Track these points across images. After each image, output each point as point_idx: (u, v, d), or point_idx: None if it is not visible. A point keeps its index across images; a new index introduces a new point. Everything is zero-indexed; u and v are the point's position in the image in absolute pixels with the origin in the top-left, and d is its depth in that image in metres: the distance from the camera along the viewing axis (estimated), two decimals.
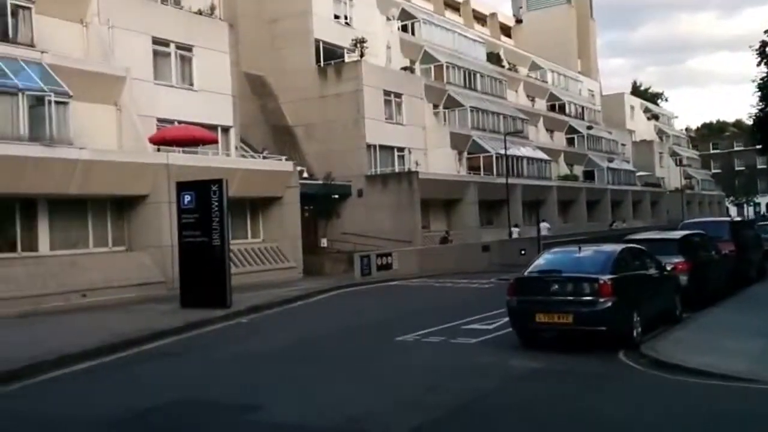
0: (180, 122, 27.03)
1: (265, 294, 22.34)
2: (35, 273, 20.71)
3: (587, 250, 13.99)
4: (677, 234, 20.02)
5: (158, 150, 25.46)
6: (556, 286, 12.41)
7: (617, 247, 14.06)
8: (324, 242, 32.98)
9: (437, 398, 9.57)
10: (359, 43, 38.35)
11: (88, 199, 23.34)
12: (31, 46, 22.27)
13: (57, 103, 21.21)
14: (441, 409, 8.94)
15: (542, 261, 13.79)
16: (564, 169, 58.14)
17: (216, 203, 19.17)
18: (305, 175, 32.67)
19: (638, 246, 15.32)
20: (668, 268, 15.26)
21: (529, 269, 13.48)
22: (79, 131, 23.08)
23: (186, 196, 19.70)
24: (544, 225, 44.22)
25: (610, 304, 11.97)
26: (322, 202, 33.40)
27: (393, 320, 17.07)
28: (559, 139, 61.74)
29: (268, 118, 38.17)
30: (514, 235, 40.27)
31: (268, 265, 28.03)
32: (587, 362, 11.73)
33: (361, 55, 38.44)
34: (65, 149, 20.93)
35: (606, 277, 12.20)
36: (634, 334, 12.60)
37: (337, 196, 36.18)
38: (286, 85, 38.82)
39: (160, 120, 26.96)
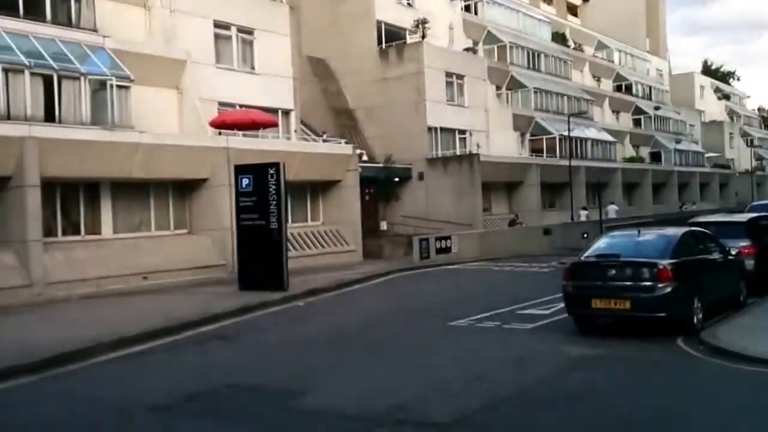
0: (241, 106, 27.16)
1: (323, 277, 22.35)
2: (98, 255, 21.05)
3: (647, 234, 13.69)
4: (744, 217, 19.37)
5: (219, 134, 25.60)
6: (614, 271, 12.10)
7: (679, 231, 13.62)
8: (384, 225, 32.85)
9: (484, 387, 9.43)
10: (421, 24, 37.96)
11: (150, 183, 23.61)
12: (94, 30, 22.57)
13: (119, 87, 21.54)
14: (486, 399, 8.76)
15: (600, 245, 13.42)
16: (630, 151, 57.00)
17: (273, 186, 19.21)
18: (365, 158, 32.55)
19: (701, 229, 14.90)
20: (733, 253, 14.74)
21: (586, 253, 13.18)
22: (141, 115, 23.43)
23: (244, 180, 19.79)
24: (612, 207, 44.17)
25: (669, 289, 11.62)
26: (382, 185, 33.28)
27: (448, 304, 16.90)
28: (626, 120, 60.47)
29: (330, 101, 38.09)
30: (582, 218, 40.01)
31: (328, 248, 28.02)
32: (645, 349, 11.41)
33: (423, 36, 38.04)
34: (126, 133, 21.18)
35: (666, 262, 11.84)
36: (695, 320, 12.23)
37: (397, 179, 36.03)
38: (348, 67, 38.70)
39: (221, 104, 27.12)
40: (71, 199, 21.86)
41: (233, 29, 28.06)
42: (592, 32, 63.59)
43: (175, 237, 24.16)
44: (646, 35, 73.50)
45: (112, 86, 21.26)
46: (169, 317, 14.82)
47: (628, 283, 11.92)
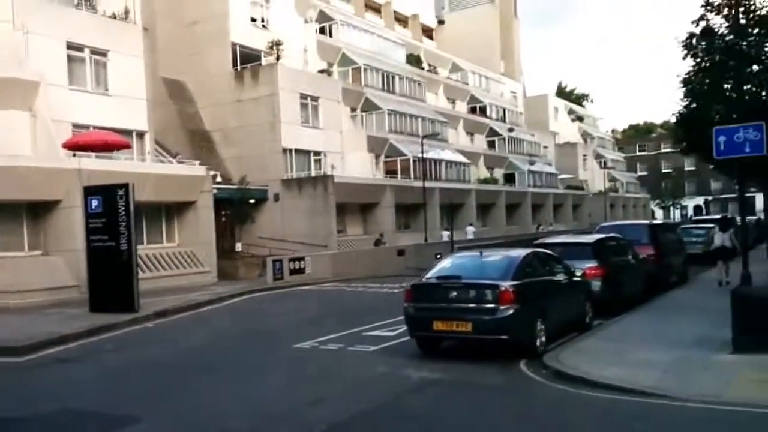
0: (95, 127, 28.85)
1: (175, 298, 24.01)
2: None
3: (491, 255, 14.44)
4: (591, 238, 20.46)
5: (74, 155, 27.23)
6: (455, 293, 12.77)
7: (522, 252, 14.32)
8: (239, 247, 35.09)
9: (321, 412, 9.91)
10: (275, 45, 40.54)
11: (2, 204, 25.00)
12: None
13: None
14: (323, 424, 9.17)
15: (443, 266, 14.14)
16: (484, 173, 61.16)
17: (123, 207, 20.80)
18: (218, 179, 34.69)
19: (546, 251, 15.91)
20: (578, 274, 15.72)
21: (429, 274, 13.91)
22: None
23: (93, 201, 21.33)
24: (469, 228, 48.03)
25: (511, 311, 12.32)
26: (237, 207, 35.51)
27: (295, 326, 18.32)
28: (480, 142, 64.79)
29: (186, 122, 40.11)
30: (469, 236, 43.99)
31: (182, 269, 29.87)
32: (486, 372, 12.06)
33: (277, 58, 40.64)
34: None
35: (507, 284, 12.53)
36: (538, 343, 12.97)
37: (253, 201, 38.28)
38: (204, 89, 40.89)
39: (75, 125, 28.77)
40: None
41: (87, 51, 29.76)
42: (446, 54, 67.92)
43: (29, 258, 25.63)
44: (501, 57, 78.70)
45: None
46: (10, 338, 16.00)
47: (470, 305, 12.59)
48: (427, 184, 45.54)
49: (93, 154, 27.88)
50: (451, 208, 43.52)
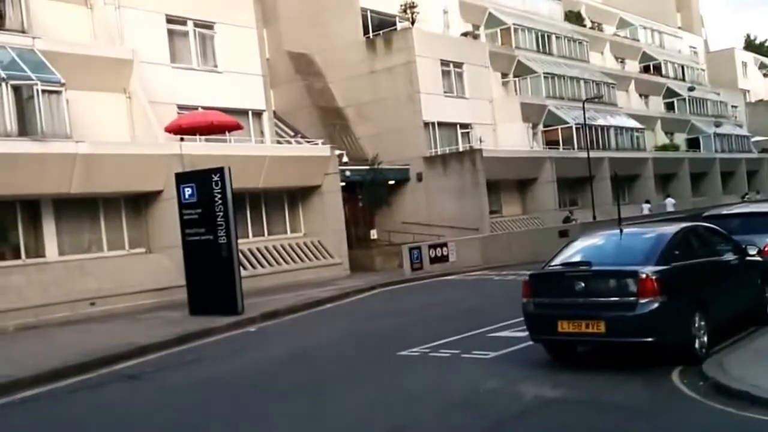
0: (204, 108, 26.59)
1: (295, 296, 21.87)
2: (37, 281, 20.52)
3: (634, 233, 12.24)
4: None
5: (181, 140, 25.13)
6: (583, 284, 10.36)
7: (673, 228, 11.75)
8: (374, 234, 32.22)
9: None
10: (409, 8, 37.41)
11: (99, 198, 23.12)
12: (22, 31, 22.11)
13: (48, 92, 20.95)
14: None
15: (572, 249, 11.68)
16: (662, 138, 56.03)
17: (219, 195, 18.49)
18: (345, 159, 31.93)
19: (707, 225, 13.11)
20: (752, 252, 12.75)
21: (554, 261, 11.43)
22: (83, 123, 22.94)
23: (186, 189, 19.16)
24: (669, 201, 46.23)
25: (656, 305, 9.82)
26: (371, 190, 32.61)
27: (412, 327, 15.90)
28: (656, 105, 59.58)
29: (316, 99, 37.62)
30: (645, 212, 40.97)
31: (309, 262, 27.48)
32: (625, 387, 9.64)
33: (412, 22, 37.51)
34: (58, 143, 20.65)
35: (650, 270, 10.04)
36: (696, 344, 10.41)
37: (393, 182, 35.43)
38: (334, 62, 38.28)
39: (180, 107, 26.64)
40: (8, 220, 21.43)
41: (189, 24, 27.64)
42: (612, 9, 62.83)
43: (131, 257, 23.64)
44: (676, 10, 72.67)
45: (39, 91, 20.68)
46: (88, 352, 14.13)
47: (602, 299, 10.29)
48: (595, 153, 41.61)
49: (202, 137, 25.68)
50: (618, 180, 38.93)
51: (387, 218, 35.49)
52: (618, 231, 12.20)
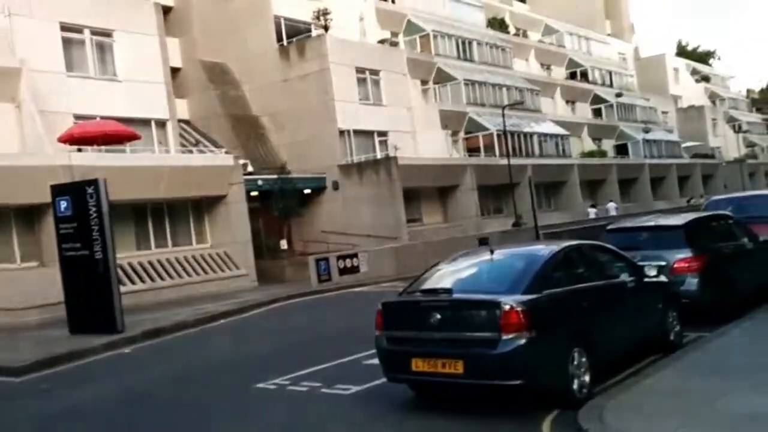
0: (103, 117, 26.57)
1: (187, 311, 21.79)
2: None
3: (504, 255, 10.72)
4: (683, 218, 15.83)
5: (79, 150, 25.01)
6: (439, 316, 9.19)
7: (551, 248, 10.60)
8: (284, 244, 32.30)
9: None
10: (322, 14, 37.63)
11: None
12: None
13: None
14: None
15: (437, 273, 10.58)
16: (590, 145, 56.98)
17: (94, 208, 18.04)
18: (249, 168, 32.01)
19: (593, 243, 12.07)
20: (651, 273, 11.74)
21: (414, 286, 10.43)
22: None
23: (62, 202, 18.65)
24: (611, 205, 47.40)
25: (522, 342, 8.69)
26: (281, 199, 32.68)
27: (290, 350, 15.61)
28: (583, 111, 60.51)
29: (230, 108, 37.61)
30: (591, 216, 41.72)
31: (213, 274, 27.46)
32: None
33: (326, 29, 37.73)
34: None
35: (514, 300, 8.89)
36: (575, 385, 9.26)
37: (309, 190, 35.60)
38: (249, 70, 38.39)
39: (77, 116, 26.72)
40: None
41: (86, 32, 27.78)
42: (537, 16, 63.87)
43: (21, 270, 23.43)
44: (605, 17, 74.16)
45: None
46: None
47: (460, 333, 9.10)
48: (518, 160, 42.19)
49: (103, 148, 25.64)
50: (533, 186, 39.53)
51: (305, 227, 35.62)
52: (489, 251, 10.71)
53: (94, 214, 18.08)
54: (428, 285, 10.17)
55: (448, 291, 9.55)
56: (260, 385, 12.09)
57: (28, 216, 23.91)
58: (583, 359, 9.45)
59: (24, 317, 21.33)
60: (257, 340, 17.78)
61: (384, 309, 9.93)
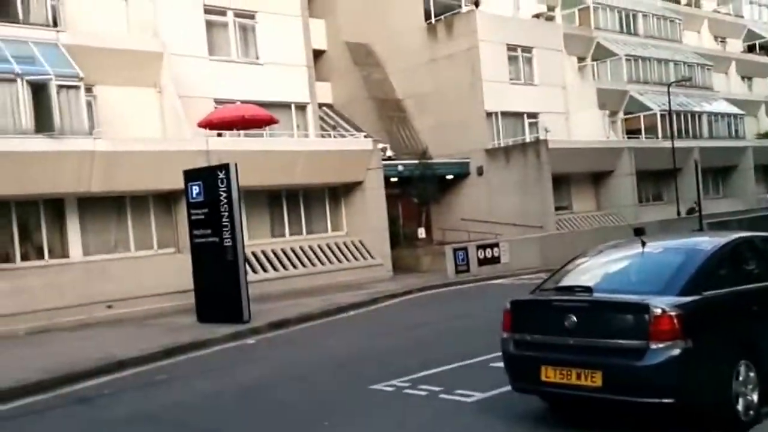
0: (243, 102, 27.08)
1: (316, 301, 22.01)
2: (55, 283, 21.20)
3: (659, 248, 9.30)
4: None
5: (219, 135, 25.60)
6: (575, 318, 8.13)
7: (717, 241, 9.13)
8: (422, 233, 32.14)
9: None
10: None
11: (126, 196, 23.78)
12: (47, 25, 22.87)
13: (64, 87, 21.62)
14: None
15: (576, 268, 9.49)
16: (767, 125, 53.93)
17: (224, 194, 18.46)
18: (389, 153, 31.92)
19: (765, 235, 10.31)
20: None
21: (550, 282, 9.43)
22: (111, 119, 23.86)
23: (194, 188, 19.25)
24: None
25: (676, 353, 7.53)
26: (420, 185, 32.49)
27: (414, 347, 15.29)
28: (762, 87, 57.21)
29: (374, 91, 37.73)
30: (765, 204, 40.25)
31: (347, 263, 27.57)
32: None
33: (476, 4, 37.12)
34: (74, 140, 21.30)
35: (667, 302, 7.71)
36: (740, 405, 8.00)
37: (451, 176, 35.30)
38: (394, 51, 38.41)
39: (218, 101, 27.22)
40: (32, 220, 22.29)
41: (229, 14, 28.20)
42: None
43: (158, 257, 24.24)
44: None
45: (59, 87, 21.36)
46: (59, 367, 14.11)
47: (600, 340, 8.01)
48: (683, 143, 40.49)
49: (241, 132, 26.23)
50: (699, 170, 37.64)
51: (446, 215, 35.42)
52: (640, 243, 9.34)
53: (225, 200, 18.49)
54: (565, 282, 9.10)
55: (588, 290, 8.48)
56: (376, 386, 11.73)
57: (165, 202, 24.66)
58: (751, 374, 8.19)
59: (160, 303, 21.96)
60: (382, 335, 17.66)
61: (512, 308, 8.94)
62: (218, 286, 18.88)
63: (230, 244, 18.57)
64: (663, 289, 8.00)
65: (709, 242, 9.16)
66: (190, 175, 19.63)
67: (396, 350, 15.25)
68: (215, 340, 16.94)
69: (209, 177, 18.95)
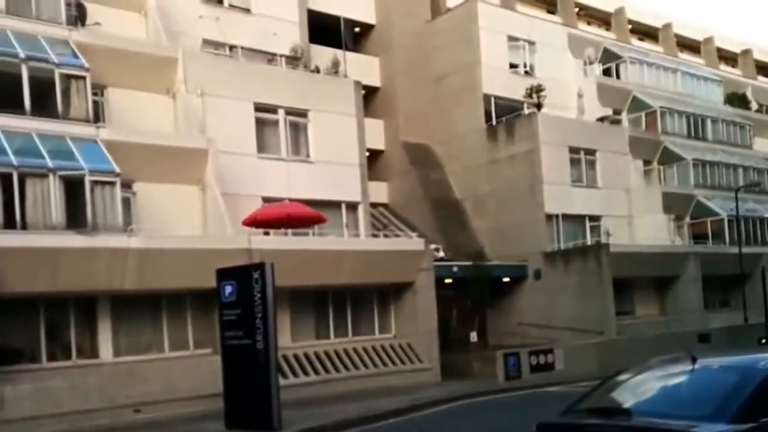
0: (292, 200, 26.17)
1: (356, 407, 20.62)
2: (80, 384, 20.16)
3: (712, 364, 7.76)
4: None
5: (266, 233, 24.70)
6: None
7: None
8: (474, 337, 30.47)
9: None
10: (534, 92, 36.02)
11: (162, 295, 22.83)
12: (87, 121, 22.34)
13: (99, 183, 20.90)
14: None
15: (618, 386, 7.92)
16: None
17: (259, 294, 17.17)
18: (441, 254, 30.61)
19: None
20: None
21: (584, 402, 7.80)
22: (151, 217, 23.05)
23: (227, 287, 18.08)
24: None
25: None
26: (474, 288, 31.03)
27: None
28: None
29: (431, 191, 36.63)
30: None
31: (393, 366, 26.14)
32: None
33: (538, 107, 36.06)
34: (106, 237, 20.46)
35: (718, 430, 6.35)
36: None
37: (508, 279, 33.76)
38: (453, 152, 37.43)
39: (266, 199, 26.25)
40: (61, 318, 21.39)
41: (280, 112, 27.49)
42: None
43: (194, 358, 23.08)
44: None
45: (89, 182, 20.66)
46: None
47: None
48: (751, 249, 38.36)
49: (289, 231, 25.26)
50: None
51: (502, 319, 33.78)
52: (690, 359, 7.52)
53: (259, 301, 17.21)
54: (601, 402, 7.63)
55: (625, 413, 7.16)
56: None
57: (203, 301, 23.52)
58: None
59: (192, 407, 20.81)
60: None
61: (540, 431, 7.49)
62: (248, 390, 17.58)
63: (263, 346, 17.21)
64: (712, 414, 6.50)
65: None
66: (224, 274, 18.48)
67: None
68: None
69: (243, 276, 17.78)
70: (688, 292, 36.84)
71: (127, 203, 22.79)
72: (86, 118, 22.31)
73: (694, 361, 7.49)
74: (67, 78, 22.35)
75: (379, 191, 35.18)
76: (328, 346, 25.59)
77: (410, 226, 34.06)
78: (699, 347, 29.79)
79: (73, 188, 20.61)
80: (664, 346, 29.40)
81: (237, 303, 17.90)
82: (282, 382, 22.26)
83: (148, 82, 25.13)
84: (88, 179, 20.61)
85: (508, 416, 19.93)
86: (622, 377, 8.06)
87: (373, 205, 33.30)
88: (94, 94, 23.65)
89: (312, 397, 22.60)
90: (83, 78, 22.46)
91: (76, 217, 20.51)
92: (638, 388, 7.77)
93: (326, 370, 24.70)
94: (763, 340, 31.41)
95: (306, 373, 24.24)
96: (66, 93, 22.14)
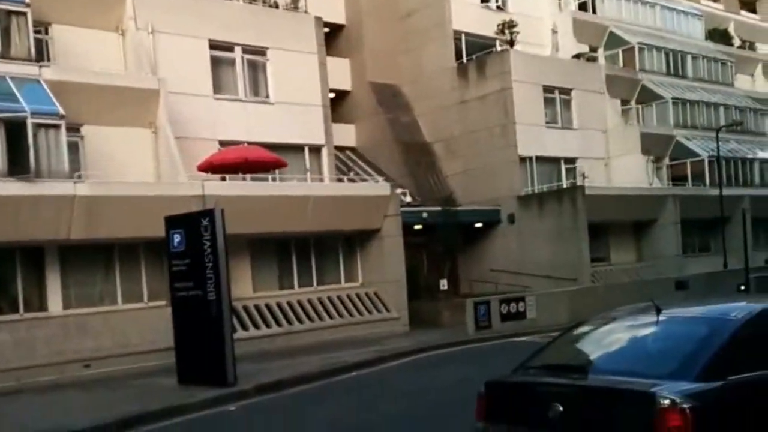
0: (251, 144, 25.39)
1: (318, 360, 20.21)
2: (27, 339, 19.58)
3: (678, 315, 7.25)
4: None
5: (223, 179, 23.99)
6: (561, 408, 6.18)
7: (752, 308, 6.93)
8: (444, 284, 29.99)
9: None
10: (507, 28, 35.19)
11: (114, 245, 22.11)
12: (29, 60, 21.36)
13: (42, 126, 20.01)
14: None
15: (572, 341, 7.53)
16: None
17: (208, 243, 16.62)
18: (408, 199, 30.01)
19: None
20: None
21: (536, 359, 7.34)
22: (99, 162, 22.25)
23: (175, 236, 17.51)
24: None
25: None
26: (443, 234, 30.47)
27: (406, 420, 13.51)
28: None
29: (400, 134, 35.89)
30: None
31: (359, 317, 25.71)
32: None
33: (511, 44, 35.27)
34: (50, 184, 19.66)
35: (678, 391, 5.75)
36: None
37: (480, 224, 33.24)
38: (423, 93, 36.59)
39: (223, 143, 25.59)
40: (7, 270, 20.64)
41: (237, 50, 26.65)
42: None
43: (149, 310, 22.41)
44: None
45: (36, 126, 19.72)
46: None
47: None
48: (733, 191, 38.03)
49: (247, 176, 24.44)
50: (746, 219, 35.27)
51: (474, 266, 33.36)
52: (655, 309, 6.98)
53: (209, 250, 16.66)
54: (557, 358, 7.20)
55: (582, 370, 6.65)
56: None
57: (158, 251, 22.69)
58: None
59: (144, 362, 20.30)
60: (383, 401, 15.52)
61: (488, 391, 6.99)
62: (201, 344, 17.07)
63: (214, 297, 16.68)
64: (675, 371, 6.03)
65: (742, 309, 6.89)
66: (172, 222, 17.88)
67: (392, 423, 13.40)
68: (190, 406, 15.15)
69: (192, 224, 17.18)
70: (666, 237, 36.54)
71: (74, 148, 21.94)
72: (28, 57, 21.33)
73: (658, 311, 6.96)
74: (7, 14, 21.41)
75: (347, 134, 34.51)
76: (292, 296, 25.05)
77: (378, 170, 33.41)
78: (676, 294, 29.47)
79: (15, 132, 19.69)
80: (640, 294, 29.12)
81: (186, 252, 17.38)
82: (243, 334, 22.08)
83: (95, 18, 24.22)
84: (30, 122, 19.67)
85: (475, 369, 19.42)
86: (582, 329, 7.61)
87: (341, 149, 32.65)
88: (38, 31, 22.85)
89: (274, 350, 22.18)
90: (24, 14, 21.51)
91: (18, 163, 19.61)
92: (598, 342, 7.33)
93: (289, 322, 24.22)
94: (742, 287, 30.95)
95: (268, 325, 23.73)
96: (6, 31, 21.17)
